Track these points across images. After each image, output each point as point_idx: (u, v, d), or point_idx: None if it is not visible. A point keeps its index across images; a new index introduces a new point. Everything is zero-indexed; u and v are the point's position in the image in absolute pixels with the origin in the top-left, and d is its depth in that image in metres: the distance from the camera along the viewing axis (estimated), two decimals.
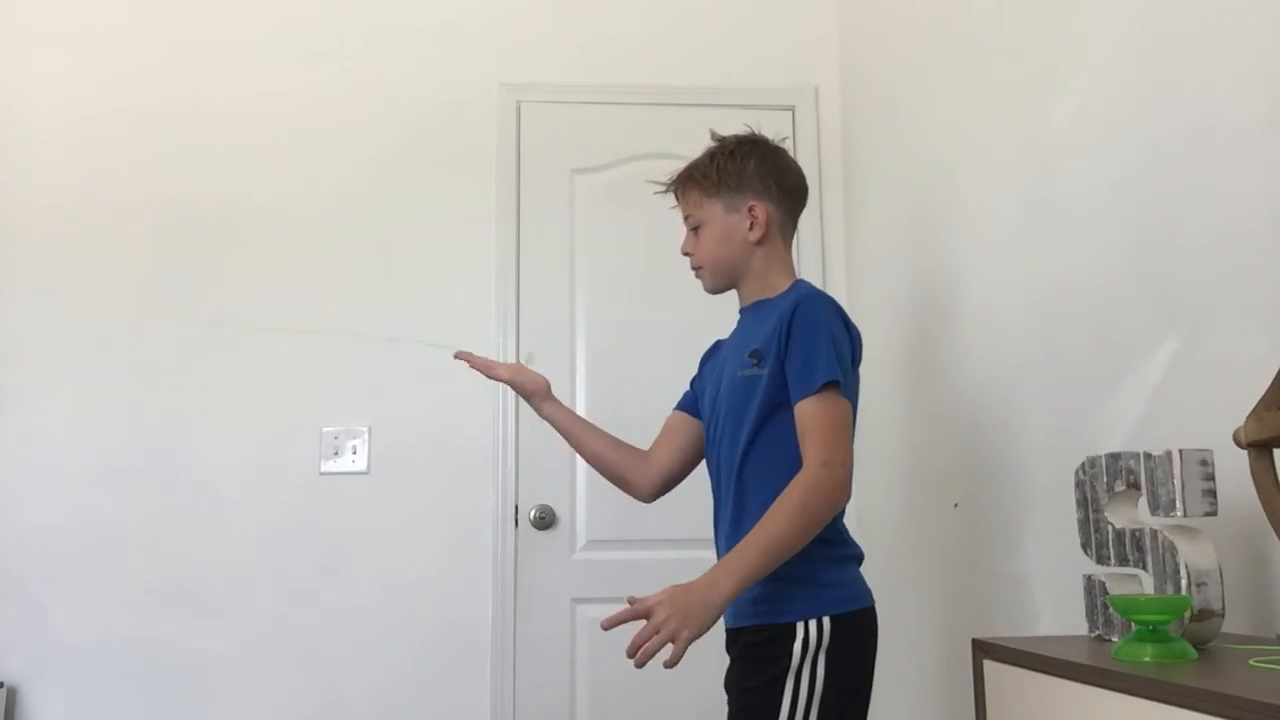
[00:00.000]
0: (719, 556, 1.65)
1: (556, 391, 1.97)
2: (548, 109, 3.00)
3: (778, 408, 1.59)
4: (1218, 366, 1.48)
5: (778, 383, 1.58)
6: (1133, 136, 1.68)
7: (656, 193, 1.83)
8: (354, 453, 2.80)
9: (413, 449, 2.81)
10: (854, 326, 1.65)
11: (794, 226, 1.80)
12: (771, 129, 1.84)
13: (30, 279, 2.79)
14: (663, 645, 1.41)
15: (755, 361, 1.62)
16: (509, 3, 3.06)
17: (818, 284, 2.96)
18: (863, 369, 1.68)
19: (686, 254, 1.78)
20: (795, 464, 1.53)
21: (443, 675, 2.73)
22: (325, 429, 2.80)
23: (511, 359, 2.85)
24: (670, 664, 1.40)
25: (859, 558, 1.65)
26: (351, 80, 2.96)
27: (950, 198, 2.35)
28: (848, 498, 1.53)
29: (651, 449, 1.89)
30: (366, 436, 2.81)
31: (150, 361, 2.78)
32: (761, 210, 1.71)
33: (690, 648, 1.56)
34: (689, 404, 1.87)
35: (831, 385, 1.53)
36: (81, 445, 2.73)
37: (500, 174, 2.95)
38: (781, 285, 1.71)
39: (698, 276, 1.78)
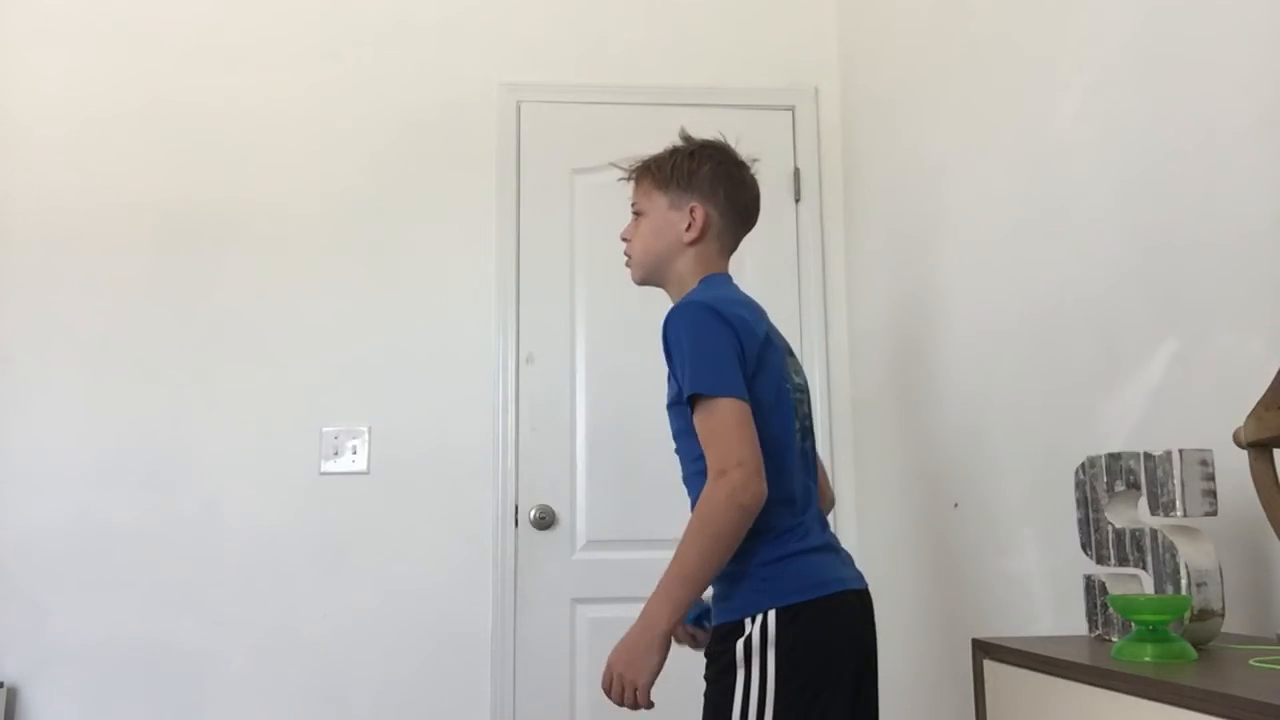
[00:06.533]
0: None
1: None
2: (548, 109, 3.01)
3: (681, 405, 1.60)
4: (1218, 367, 1.48)
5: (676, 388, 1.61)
6: (1133, 137, 1.68)
7: (619, 179, 1.85)
8: (354, 453, 2.80)
9: (413, 449, 2.81)
10: (733, 316, 1.57)
11: (734, 243, 1.77)
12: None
13: (31, 279, 2.79)
14: (632, 701, 1.47)
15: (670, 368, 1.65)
16: (509, 3, 3.06)
17: (817, 284, 3.00)
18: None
19: (624, 239, 1.80)
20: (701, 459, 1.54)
21: (443, 675, 2.73)
22: (325, 429, 2.80)
23: (511, 359, 2.85)
24: (644, 707, 1.48)
25: (819, 548, 1.57)
26: (352, 80, 2.97)
27: (950, 198, 2.35)
28: (759, 491, 1.46)
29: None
30: (366, 436, 2.81)
31: (150, 361, 2.78)
32: (701, 213, 1.71)
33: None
34: None
35: (697, 396, 1.51)
36: (81, 445, 2.73)
37: (500, 174, 2.95)
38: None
39: (627, 265, 1.80)
